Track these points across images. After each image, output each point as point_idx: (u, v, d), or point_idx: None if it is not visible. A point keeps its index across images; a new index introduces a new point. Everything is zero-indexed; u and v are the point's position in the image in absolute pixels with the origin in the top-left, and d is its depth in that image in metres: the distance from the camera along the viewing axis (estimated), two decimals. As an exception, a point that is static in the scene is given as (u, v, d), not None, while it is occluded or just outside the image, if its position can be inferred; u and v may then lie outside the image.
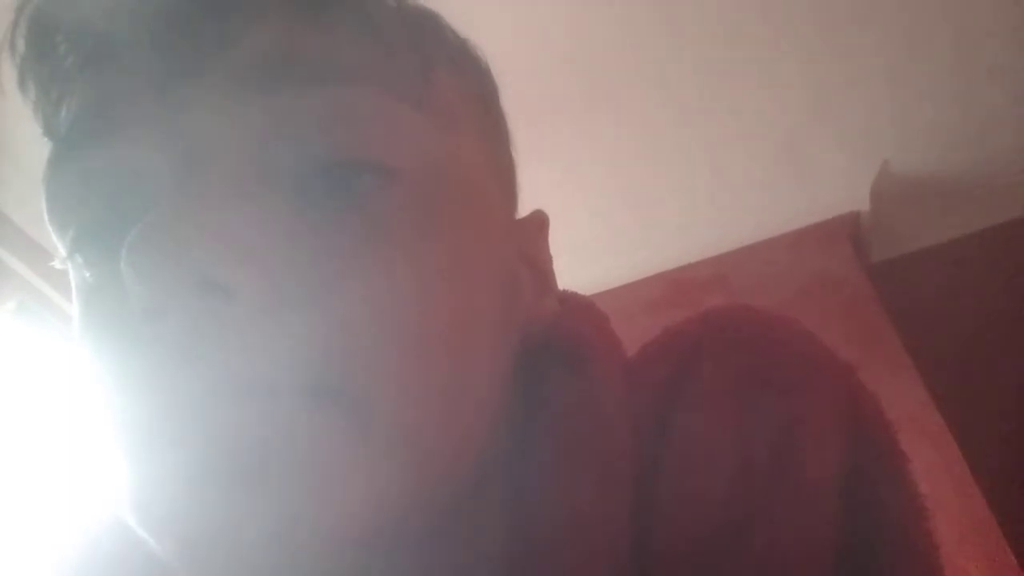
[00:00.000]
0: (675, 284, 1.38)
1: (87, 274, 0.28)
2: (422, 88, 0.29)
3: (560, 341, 0.34)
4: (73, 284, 0.29)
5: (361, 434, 0.25)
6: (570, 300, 0.37)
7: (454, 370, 0.27)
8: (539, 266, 0.36)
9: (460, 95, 0.32)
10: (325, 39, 0.27)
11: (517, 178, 0.37)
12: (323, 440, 0.24)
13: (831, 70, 1.17)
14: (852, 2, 1.09)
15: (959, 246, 1.38)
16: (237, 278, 0.24)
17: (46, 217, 0.29)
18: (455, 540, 0.30)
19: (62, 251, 0.28)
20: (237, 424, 0.24)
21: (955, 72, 1.18)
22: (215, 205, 0.24)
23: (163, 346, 0.24)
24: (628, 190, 1.31)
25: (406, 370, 0.26)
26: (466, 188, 0.30)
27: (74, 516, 0.37)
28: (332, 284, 0.25)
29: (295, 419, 0.24)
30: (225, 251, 0.24)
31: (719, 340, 0.33)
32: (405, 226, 0.27)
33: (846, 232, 1.34)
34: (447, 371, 0.27)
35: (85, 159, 0.27)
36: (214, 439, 0.24)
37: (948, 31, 1.13)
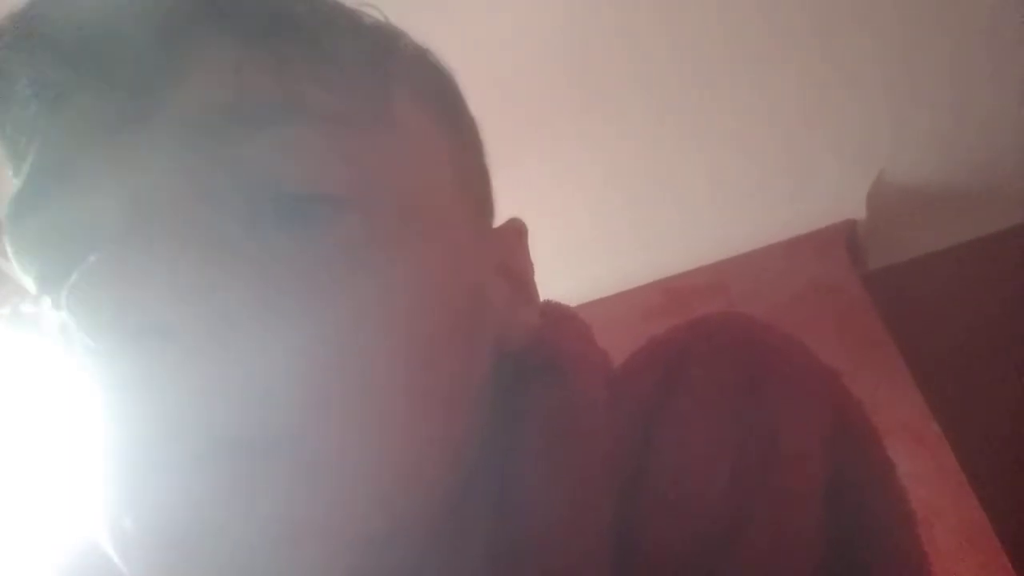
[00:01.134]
0: (672, 292, 1.38)
1: (55, 314, 0.28)
2: (379, 111, 0.29)
3: (540, 353, 0.33)
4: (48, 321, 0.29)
5: (310, 487, 0.24)
6: (552, 311, 0.37)
7: (411, 402, 0.27)
8: (517, 276, 0.35)
9: (421, 112, 0.32)
10: (275, 73, 0.27)
11: (491, 189, 0.37)
12: (269, 499, 0.24)
13: (827, 78, 1.17)
14: (849, 11, 1.09)
15: (955, 254, 1.38)
16: (172, 318, 0.23)
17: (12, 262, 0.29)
18: (435, 556, 0.29)
19: (32, 292, 0.28)
20: (179, 488, 0.23)
21: (951, 80, 1.18)
22: (156, 249, 0.24)
23: (109, 389, 0.24)
24: (625, 197, 1.31)
25: (353, 411, 0.25)
26: (426, 211, 0.30)
27: (65, 526, 0.36)
28: (277, 321, 0.25)
29: (238, 479, 0.24)
30: (161, 292, 0.24)
31: (704, 349, 0.33)
32: (357, 258, 0.27)
33: (842, 240, 1.34)
34: (402, 405, 0.26)
35: (38, 211, 0.27)
36: (159, 501, 0.24)
37: (944, 39, 1.13)
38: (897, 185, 1.32)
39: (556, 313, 0.37)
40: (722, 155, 1.26)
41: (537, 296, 0.36)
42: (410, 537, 0.27)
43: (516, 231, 0.37)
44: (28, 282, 0.28)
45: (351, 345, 0.26)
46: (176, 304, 0.24)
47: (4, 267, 1.13)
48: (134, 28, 0.26)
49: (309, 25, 0.28)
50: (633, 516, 0.29)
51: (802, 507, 0.28)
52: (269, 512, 0.24)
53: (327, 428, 0.25)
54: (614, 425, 0.31)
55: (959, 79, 1.18)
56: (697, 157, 1.27)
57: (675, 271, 1.40)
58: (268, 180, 0.26)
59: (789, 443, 0.29)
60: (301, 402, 0.24)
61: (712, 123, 1.22)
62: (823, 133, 1.24)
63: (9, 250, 0.28)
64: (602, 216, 1.33)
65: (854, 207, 1.34)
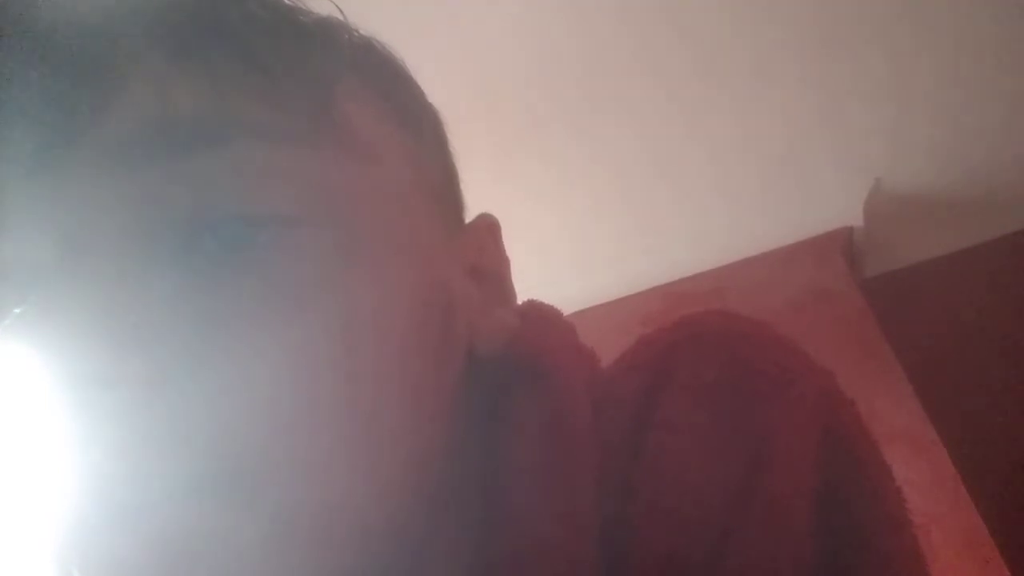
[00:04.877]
0: (671, 298, 1.38)
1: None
2: (322, 120, 0.27)
3: (522, 356, 0.32)
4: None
5: (272, 524, 0.23)
6: (534, 312, 0.36)
7: (378, 420, 0.26)
8: (491, 275, 0.34)
9: (370, 112, 0.30)
10: (203, 91, 0.25)
11: (457, 184, 0.35)
12: (228, 541, 0.23)
13: (827, 86, 1.17)
14: (848, 19, 1.10)
15: (953, 261, 1.38)
16: (108, 369, 0.22)
17: None
18: (417, 572, 0.29)
19: None
20: (134, 534, 0.23)
21: (949, 88, 1.18)
22: (86, 295, 0.23)
23: (60, 430, 0.23)
24: (624, 203, 1.31)
25: (305, 443, 0.24)
26: (382, 219, 0.28)
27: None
28: (221, 357, 0.24)
29: (197, 522, 0.23)
30: (95, 343, 0.22)
31: (692, 350, 0.32)
32: (304, 280, 0.25)
33: (840, 247, 1.34)
34: (368, 426, 0.25)
35: None
36: (116, 548, 0.23)
37: (942, 47, 1.13)
38: (895, 192, 1.32)
39: (538, 314, 0.35)
40: (720, 162, 1.26)
41: (514, 295, 0.35)
42: (387, 553, 0.27)
43: (488, 226, 0.35)
44: None
45: (311, 369, 0.24)
46: (112, 355, 0.22)
47: None
48: (57, 47, 0.24)
49: (242, 33, 0.26)
50: (622, 524, 0.28)
51: (791, 517, 0.27)
52: (232, 552, 0.23)
53: (289, 460, 0.24)
54: (601, 431, 0.30)
55: (957, 87, 1.18)
56: (695, 163, 1.26)
57: (674, 277, 1.40)
58: (204, 205, 0.24)
59: (778, 448, 0.28)
60: (259, 439, 0.23)
61: (711, 130, 1.22)
62: (821, 141, 1.24)
63: None
64: (601, 222, 1.33)
65: (852, 214, 1.34)
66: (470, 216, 0.36)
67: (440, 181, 0.34)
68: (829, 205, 1.33)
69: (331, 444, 0.25)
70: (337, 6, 0.31)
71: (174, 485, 0.23)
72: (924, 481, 1.07)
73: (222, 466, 0.23)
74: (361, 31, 0.32)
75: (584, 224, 1.32)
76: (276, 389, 0.24)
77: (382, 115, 0.31)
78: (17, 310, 0.23)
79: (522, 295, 0.36)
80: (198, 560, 0.23)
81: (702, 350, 0.32)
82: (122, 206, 0.24)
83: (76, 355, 0.22)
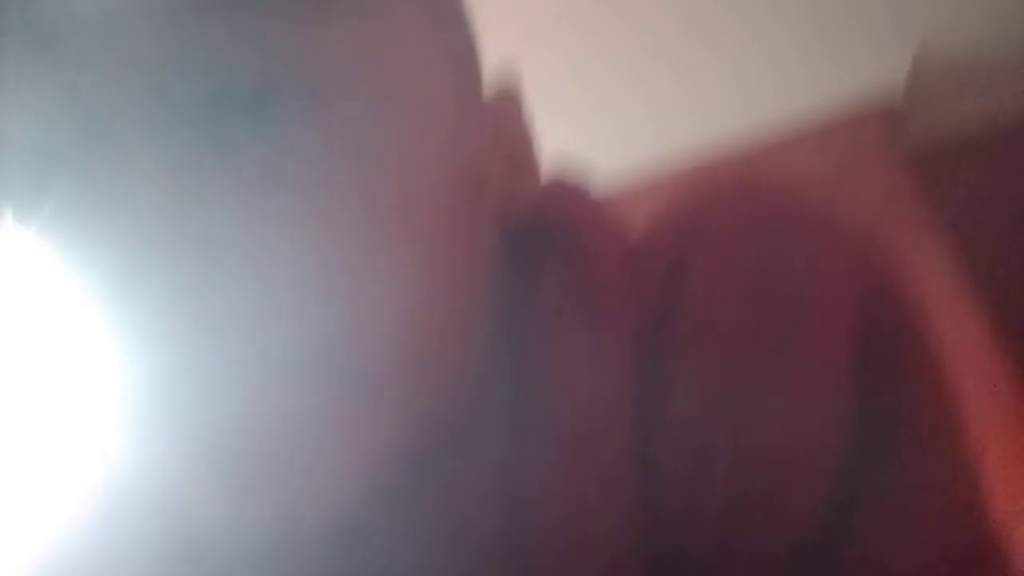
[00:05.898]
0: (706, 173, 1.34)
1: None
2: None
3: (549, 223, 0.32)
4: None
5: (344, 394, 0.24)
6: (559, 181, 0.35)
7: (418, 301, 0.26)
8: (515, 144, 0.33)
9: None
10: None
11: (477, 54, 0.33)
12: (307, 412, 0.24)
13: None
14: None
15: (998, 133, 1.31)
16: (158, 258, 0.22)
17: None
18: (458, 439, 0.29)
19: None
20: (221, 411, 0.23)
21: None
22: (121, 174, 0.22)
23: (109, 323, 0.23)
24: (657, 73, 1.26)
25: (368, 316, 0.24)
26: (406, 91, 0.27)
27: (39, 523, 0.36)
28: (269, 231, 0.23)
29: (277, 398, 0.23)
30: (138, 232, 0.22)
31: (726, 211, 0.31)
32: (339, 148, 0.24)
33: (880, 120, 1.29)
34: (411, 306, 0.25)
35: None
36: (206, 426, 0.23)
37: None
38: (938, 60, 1.25)
39: (564, 183, 0.35)
40: (757, 32, 1.20)
41: (538, 163, 0.34)
42: (439, 434, 0.28)
43: (513, 96, 0.34)
44: None
45: (352, 244, 0.24)
46: (155, 242, 0.22)
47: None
48: None
49: None
50: (655, 383, 0.28)
51: (831, 361, 0.27)
52: (308, 424, 0.24)
53: (356, 341, 0.24)
54: (633, 297, 0.30)
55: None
56: (724, 37, 1.21)
57: (708, 152, 1.36)
58: (229, 73, 0.23)
59: (815, 311, 0.28)
60: (315, 312, 0.23)
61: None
62: (862, 5, 1.17)
63: None
64: (633, 92, 1.28)
65: (892, 85, 1.28)
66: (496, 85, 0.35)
67: (462, 52, 0.32)
68: (870, 75, 1.27)
69: (391, 309, 0.25)
70: None
71: (244, 367, 0.23)
72: (959, 359, 1.05)
73: (292, 338, 0.23)
74: None
75: (616, 95, 1.28)
76: (331, 258, 0.24)
77: None
78: (45, 209, 0.22)
79: (550, 167, 0.35)
80: (277, 430, 0.23)
81: (737, 211, 0.31)
82: (145, 70, 0.23)
83: (119, 246, 0.22)
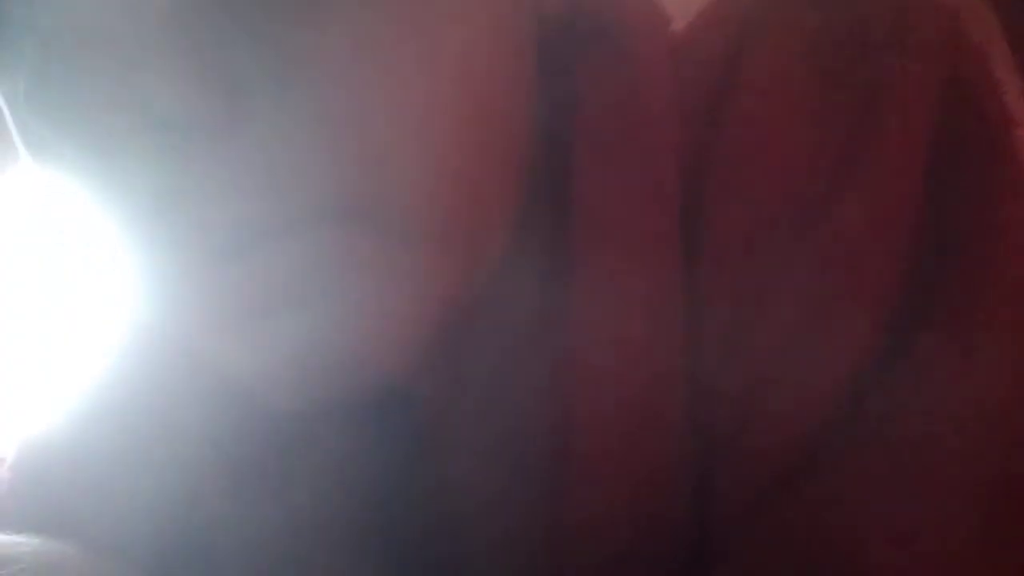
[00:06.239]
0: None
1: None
2: None
3: (585, 15, 0.28)
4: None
5: (385, 242, 0.22)
6: None
7: (468, 135, 0.23)
8: None
9: None
10: None
11: None
12: (348, 261, 0.22)
13: None
14: None
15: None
16: (185, 103, 0.19)
17: None
18: (497, 315, 0.28)
19: None
20: (264, 265, 0.21)
21: None
22: (136, 17, 0.19)
23: (156, 192, 0.21)
24: None
25: (411, 163, 0.22)
26: None
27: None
28: (292, 79, 0.20)
29: (313, 248, 0.21)
30: (151, 80, 0.19)
31: None
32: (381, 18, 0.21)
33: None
34: (457, 143, 0.23)
35: None
36: (241, 282, 0.22)
37: None
38: None
39: None
40: None
41: None
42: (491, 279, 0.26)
43: None
44: None
45: (398, 100, 0.22)
46: (182, 88, 0.19)
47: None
48: None
49: None
50: (701, 200, 0.26)
51: (902, 177, 0.24)
52: (353, 277, 0.22)
53: (393, 184, 0.22)
54: (682, 103, 0.27)
55: None
56: None
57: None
58: None
59: (891, 104, 0.24)
60: (374, 157, 0.21)
61: None
62: None
63: None
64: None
65: None
66: None
67: None
68: None
69: (444, 168, 0.23)
70: None
71: (298, 215, 0.21)
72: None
73: (329, 195, 0.21)
74: None
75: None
76: (366, 114, 0.21)
77: None
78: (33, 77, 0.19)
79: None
80: (322, 285, 0.22)
81: None
82: None
83: (153, 96, 0.19)
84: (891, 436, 0.22)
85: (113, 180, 0.21)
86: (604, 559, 0.25)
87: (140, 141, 0.20)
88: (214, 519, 0.31)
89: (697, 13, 0.29)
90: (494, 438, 0.28)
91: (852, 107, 0.24)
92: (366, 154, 0.21)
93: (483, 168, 0.24)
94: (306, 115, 0.20)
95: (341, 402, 0.26)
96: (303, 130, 0.20)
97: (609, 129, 0.27)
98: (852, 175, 0.24)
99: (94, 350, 0.35)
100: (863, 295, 0.23)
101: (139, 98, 0.19)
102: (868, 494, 0.22)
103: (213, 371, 0.27)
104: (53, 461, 0.33)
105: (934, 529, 0.21)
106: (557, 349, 0.26)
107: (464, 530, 0.29)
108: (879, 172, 0.24)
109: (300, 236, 0.21)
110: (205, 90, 0.19)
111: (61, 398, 0.34)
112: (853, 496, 0.22)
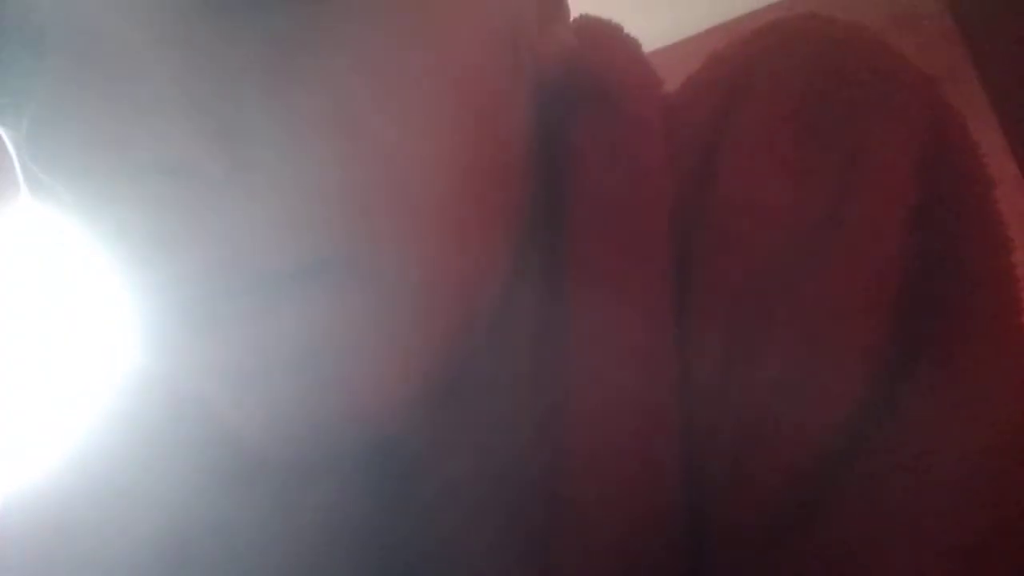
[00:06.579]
0: (738, 35, 1.29)
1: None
2: None
3: (582, 76, 0.29)
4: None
5: (378, 295, 0.22)
6: (591, 28, 0.31)
7: (464, 183, 0.23)
8: None
9: None
10: None
11: None
12: (341, 318, 0.22)
13: None
14: None
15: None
16: (185, 151, 0.19)
17: None
18: (489, 364, 0.28)
19: None
20: (254, 321, 0.21)
21: None
22: (118, 62, 0.19)
23: (102, 241, 0.21)
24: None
25: (406, 210, 0.22)
26: None
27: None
28: (292, 126, 0.20)
29: (306, 305, 0.21)
30: (157, 123, 0.19)
31: (775, 59, 0.27)
32: (353, 18, 0.21)
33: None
34: (454, 191, 0.23)
35: None
36: (227, 337, 0.21)
37: None
38: None
39: (596, 31, 0.31)
40: None
41: (567, 9, 0.31)
42: (482, 311, 0.26)
43: None
44: None
45: (393, 147, 0.21)
46: (179, 132, 0.19)
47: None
48: None
49: None
50: (691, 254, 0.26)
51: (884, 236, 0.24)
52: (346, 334, 0.22)
53: (391, 238, 0.22)
54: (672, 159, 0.27)
55: None
56: None
57: (740, 12, 1.31)
58: None
59: (873, 166, 0.25)
60: (355, 221, 0.21)
61: None
62: None
63: None
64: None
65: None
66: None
67: None
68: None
69: (429, 212, 0.23)
70: None
71: (276, 269, 0.21)
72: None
73: (325, 245, 0.21)
74: None
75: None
76: (361, 160, 0.21)
77: None
78: (44, 84, 0.18)
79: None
80: (314, 343, 0.22)
81: (787, 58, 0.27)
82: None
83: (131, 140, 0.19)
84: (878, 491, 0.22)
85: (110, 226, 0.20)
86: None
87: (138, 187, 0.19)
88: (204, 569, 0.31)
89: (687, 76, 0.30)
90: (487, 486, 0.28)
91: (836, 167, 0.25)
92: (363, 203, 0.21)
93: (479, 218, 0.24)
94: (307, 165, 0.20)
95: (332, 453, 0.26)
96: (302, 180, 0.20)
97: (606, 183, 0.27)
98: (836, 233, 0.24)
99: (85, 391, 0.34)
100: (849, 348, 0.23)
101: (141, 145, 0.19)
102: (855, 547, 0.22)
103: (204, 419, 0.27)
104: (38, 522, 0.32)
105: None
106: (551, 397, 0.26)
107: None
108: (862, 230, 0.24)
109: (293, 287, 0.21)
110: (206, 139, 0.19)
111: (48, 447, 0.34)
112: (840, 550, 0.22)
